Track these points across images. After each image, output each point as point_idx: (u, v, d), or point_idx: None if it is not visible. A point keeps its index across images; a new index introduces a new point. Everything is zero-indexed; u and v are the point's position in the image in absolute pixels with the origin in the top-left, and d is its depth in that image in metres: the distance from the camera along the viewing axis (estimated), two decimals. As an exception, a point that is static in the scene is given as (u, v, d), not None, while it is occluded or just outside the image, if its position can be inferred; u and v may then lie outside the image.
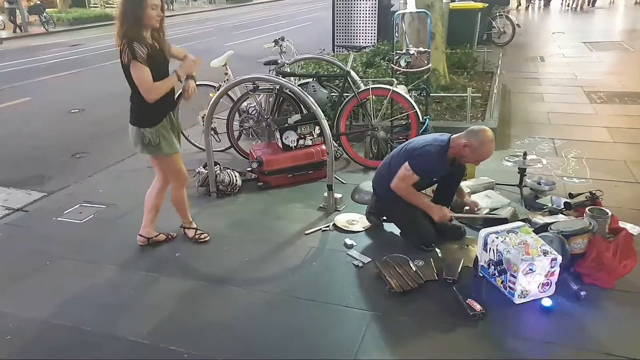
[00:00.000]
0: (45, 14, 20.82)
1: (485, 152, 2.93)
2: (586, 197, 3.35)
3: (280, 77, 4.11)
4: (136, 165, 4.78)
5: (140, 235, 3.29)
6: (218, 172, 4.03)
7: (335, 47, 7.26)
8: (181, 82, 2.95)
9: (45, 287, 2.92)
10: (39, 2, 21.52)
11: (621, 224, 3.16)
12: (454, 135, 3.04)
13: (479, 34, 9.37)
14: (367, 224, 3.43)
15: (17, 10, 19.94)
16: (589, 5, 19.06)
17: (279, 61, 4.56)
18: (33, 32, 20.10)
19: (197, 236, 3.34)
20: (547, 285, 2.55)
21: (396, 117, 4.60)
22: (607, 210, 3.05)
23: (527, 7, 19.19)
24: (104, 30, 19.72)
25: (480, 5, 8.90)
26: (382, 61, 6.39)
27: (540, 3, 20.43)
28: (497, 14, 11.21)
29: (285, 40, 4.75)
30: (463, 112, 5.24)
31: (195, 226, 3.39)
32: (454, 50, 7.51)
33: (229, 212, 3.79)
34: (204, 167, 4.10)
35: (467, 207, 3.35)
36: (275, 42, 4.71)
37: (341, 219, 3.50)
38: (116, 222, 3.71)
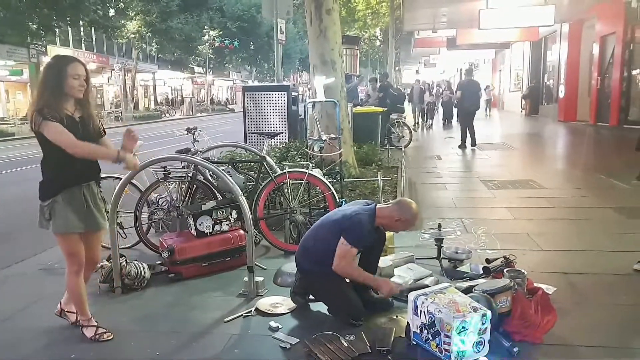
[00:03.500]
0: None
1: (414, 224, 3.10)
2: (501, 262, 3.46)
3: (194, 157, 4.00)
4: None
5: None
6: (123, 264, 3.66)
7: (249, 135, 7.36)
8: (118, 162, 2.70)
9: None
10: None
11: (536, 285, 3.26)
12: (379, 206, 3.09)
13: (380, 139, 10.10)
14: (292, 305, 3.21)
15: None
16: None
17: (191, 149, 4.49)
18: None
19: (97, 335, 2.89)
20: (481, 344, 2.48)
21: (313, 199, 4.60)
22: (523, 270, 3.15)
23: (423, 126, 19.18)
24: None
25: (380, 109, 9.71)
26: (295, 156, 6.55)
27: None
28: (395, 121, 12.26)
29: (199, 129, 4.73)
30: (375, 198, 5.40)
31: (95, 323, 2.94)
32: (361, 147, 7.95)
33: (136, 306, 3.39)
34: (107, 260, 3.71)
35: (392, 279, 3.30)
36: (188, 130, 4.67)
37: (264, 302, 3.26)
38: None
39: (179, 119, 33.01)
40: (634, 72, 13.74)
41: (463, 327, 2.40)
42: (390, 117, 11.92)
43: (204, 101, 45.23)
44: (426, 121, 18.76)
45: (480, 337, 2.47)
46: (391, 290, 3.00)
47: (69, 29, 27.43)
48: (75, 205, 2.69)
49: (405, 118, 13.47)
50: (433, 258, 3.85)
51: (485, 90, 22.03)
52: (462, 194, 6.67)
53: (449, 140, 13.49)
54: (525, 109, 21.55)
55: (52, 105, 2.56)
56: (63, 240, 2.73)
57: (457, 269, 3.62)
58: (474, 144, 11.43)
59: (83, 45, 31.22)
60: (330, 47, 6.21)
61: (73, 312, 3.00)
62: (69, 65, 2.62)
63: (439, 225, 3.90)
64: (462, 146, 11.45)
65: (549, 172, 8.12)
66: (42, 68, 2.72)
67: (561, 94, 17.69)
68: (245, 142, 6.62)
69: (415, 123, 17.56)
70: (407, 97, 17.92)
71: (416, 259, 3.87)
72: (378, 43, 37.69)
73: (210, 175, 4.52)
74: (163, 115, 34.91)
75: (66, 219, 2.65)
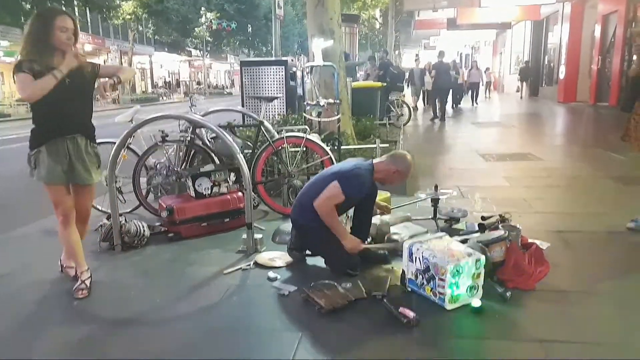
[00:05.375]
0: None
1: (409, 174, 3.18)
2: (497, 220, 3.49)
3: (193, 115, 4.01)
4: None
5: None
6: (123, 222, 3.70)
7: (246, 101, 7.34)
8: (57, 79, 2.55)
9: None
10: None
11: (530, 241, 3.31)
12: (375, 161, 3.12)
13: (379, 115, 10.08)
14: (289, 259, 3.26)
15: None
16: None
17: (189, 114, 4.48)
18: None
19: (75, 289, 2.83)
20: (474, 289, 2.53)
21: (311, 164, 4.63)
22: (518, 226, 3.19)
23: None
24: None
25: (379, 84, 9.68)
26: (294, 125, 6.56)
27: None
28: (394, 99, 12.23)
29: (196, 94, 4.73)
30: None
31: (84, 277, 2.89)
32: (359, 121, 7.94)
33: (136, 262, 3.43)
34: (107, 218, 3.75)
35: (386, 238, 3.34)
36: (185, 94, 4.67)
37: (263, 257, 3.30)
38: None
39: (178, 102, 32.90)
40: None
41: (457, 271, 2.44)
42: (390, 97, 11.89)
43: (201, 84, 44.94)
44: (430, 105, 16.79)
45: (474, 282, 2.52)
46: (355, 247, 2.99)
47: (63, 8, 27.09)
48: (58, 158, 2.70)
49: (404, 96, 13.43)
50: (429, 218, 3.89)
51: (485, 72, 21.88)
52: (460, 165, 6.70)
53: (449, 120, 13.48)
54: (521, 91, 21.12)
55: (37, 56, 2.54)
56: (47, 190, 2.76)
57: (453, 227, 3.66)
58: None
59: (78, 26, 30.83)
60: (329, 16, 6.17)
61: (72, 267, 3.04)
62: (56, 18, 2.60)
63: (436, 187, 3.93)
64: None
65: (547, 147, 8.14)
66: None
67: (561, 75, 17.61)
68: (243, 122, 6.57)
69: (414, 107, 16.26)
70: (406, 78, 16.77)
71: (413, 218, 3.90)
72: (378, 26, 37.35)
73: (208, 139, 4.54)
74: (161, 98, 34.74)
75: (48, 169, 2.68)
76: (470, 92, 18.62)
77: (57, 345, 2.35)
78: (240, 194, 4.08)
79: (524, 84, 20.99)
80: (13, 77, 2.54)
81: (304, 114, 4.77)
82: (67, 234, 2.87)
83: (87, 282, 2.88)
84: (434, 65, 13.84)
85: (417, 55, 22.24)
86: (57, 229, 2.91)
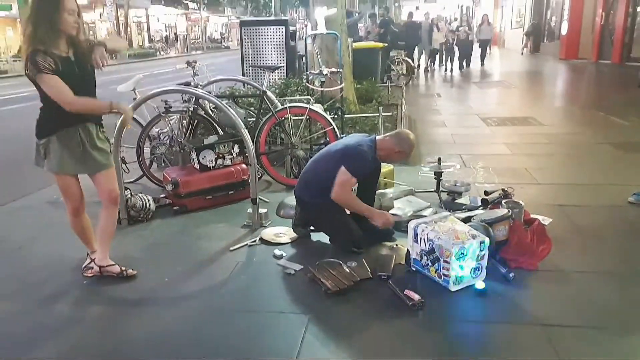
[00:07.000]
0: None
1: (411, 154, 3.29)
2: (499, 194, 3.52)
3: (195, 89, 3.96)
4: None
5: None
6: (129, 196, 3.72)
7: (247, 69, 7.24)
8: (109, 109, 2.65)
9: None
10: None
11: (533, 217, 3.35)
12: (378, 138, 3.12)
13: (380, 76, 9.93)
14: (294, 235, 3.31)
15: None
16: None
17: (191, 83, 4.42)
18: None
19: (84, 269, 2.89)
20: (478, 270, 2.58)
21: (314, 134, 4.61)
22: (521, 202, 3.23)
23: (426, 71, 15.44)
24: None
25: (380, 45, 9.48)
26: (295, 92, 6.48)
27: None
28: (395, 58, 12.00)
29: (198, 62, 4.64)
30: (376, 134, 5.39)
31: (91, 259, 2.92)
32: (360, 84, 7.85)
33: (142, 236, 3.48)
34: (112, 192, 3.75)
35: (391, 211, 3.38)
36: (188, 63, 4.58)
37: (268, 232, 3.35)
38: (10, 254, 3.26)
39: (175, 57, 32.18)
40: (639, 8, 13.34)
41: (462, 254, 2.49)
42: (390, 54, 11.67)
43: (199, 38, 43.86)
44: (441, 65, 15.69)
45: (478, 263, 2.57)
46: (386, 221, 3.06)
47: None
48: (71, 147, 2.62)
49: (412, 55, 13.17)
50: (432, 191, 3.92)
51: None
52: (461, 130, 6.67)
53: (450, 78, 13.30)
54: (528, 47, 20.95)
55: (47, 43, 2.45)
56: (58, 179, 2.72)
57: (456, 201, 3.69)
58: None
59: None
60: (330, -23, 5.97)
61: (113, 264, 2.89)
62: (64, 0, 2.50)
63: (439, 159, 3.94)
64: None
65: (548, 110, 8.10)
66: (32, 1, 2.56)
67: (564, 31, 17.24)
68: (243, 74, 6.50)
69: (425, 68, 15.17)
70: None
71: (415, 192, 3.93)
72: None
73: (211, 109, 4.50)
74: (158, 53, 33.96)
75: (60, 159, 2.61)
76: (480, 50, 16.65)
77: (67, 326, 2.41)
78: (244, 166, 4.09)
79: (531, 38, 20.66)
80: (26, 68, 2.45)
81: (306, 84, 4.69)
82: (77, 222, 2.87)
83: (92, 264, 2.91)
84: (405, 25, 14.09)
85: (416, 7, 21.56)
86: (61, 199, 2.89)
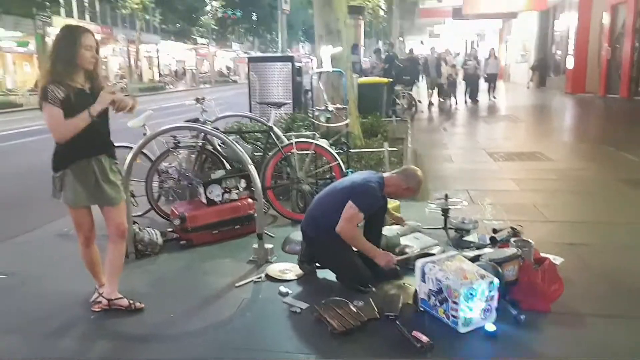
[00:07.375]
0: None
1: (419, 191, 3.30)
2: (508, 232, 3.49)
3: (204, 125, 4.01)
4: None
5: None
6: (137, 230, 3.72)
7: (254, 106, 7.35)
8: (90, 118, 2.58)
9: None
10: None
11: (543, 256, 3.30)
12: (385, 175, 3.13)
13: (385, 110, 10.04)
14: (300, 272, 3.28)
15: None
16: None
17: (200, 119, 4.49)
18: None
19: (93, 302, 2.89)
20: (488, 311, 2.53)
21: (320, 169, 4.62)
22: (530, 240, 3.19)
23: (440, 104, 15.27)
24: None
25: (385, 80, 9.63)
26: (301, 127, 6.55)
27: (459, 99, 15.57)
28: (400, 92, 12.14)
29: (207, 99, 4.72)
30: (381, 169, 5.40)
31: (100, 292, 2.93)
32: (366, 118, 7.91)
33: (149, 270, 3.47)
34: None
35: (398, 250, 3.35)
36: (197, 100, 4.66)
37: (274, 269, 3.32)
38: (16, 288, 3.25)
39: (183, 91, 32.81)
40: (645, 43, 13.49)
41: (470, 294, 2.45)
42: (395, 88, 11.82)
43: (207, 72, 44.75)
44: (445, 100, 15.17)
45: (488, 304, 2.52)
46: (389, 262, 3.02)
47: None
48: (85, 180, 2.67)
49: (411, 89, 13.33)
50: (440, 228, 3.89)
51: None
52: (468, 165, 6.68)
53: (455, 113, 13.37)
54: (534, 81, 21.12)
55: (64, 77, 2.54)
56: (71, 211, 2.76)
57: (464, 238, 3.65)
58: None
59: (87, 16, 30.91)
60: (335, 16, 6.13)
61: (121, 297, 2.89)
62: (82, 36, 2.58)
63: (446, 196, 3.92)
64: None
65: (556, 144, 8.09)
66: (52, 38, 2.65)
67: (569, 65, 17.41)
68: (250, 111, 6.62)
69: (429, 103, 14.85)
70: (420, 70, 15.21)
71: (422, 228, 3.90)
72: (382, 13, 37.00)
73: (219, 144, 4.54)
74: (167, 86, 34.65)
75: (75, 192, 2.66)
76: (487, 84, 16.37)
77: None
78: (250, 200, 4.09)
79: (536, 73, 20.84)
80: (39, 97, 2.53)
81: (312, 119, 4.74)
82: (88, 253, 2.90)
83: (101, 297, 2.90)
84: (405, 60, 14.54)
85: (421, 42, 21.98)
86: (72, 233, 2.90)
